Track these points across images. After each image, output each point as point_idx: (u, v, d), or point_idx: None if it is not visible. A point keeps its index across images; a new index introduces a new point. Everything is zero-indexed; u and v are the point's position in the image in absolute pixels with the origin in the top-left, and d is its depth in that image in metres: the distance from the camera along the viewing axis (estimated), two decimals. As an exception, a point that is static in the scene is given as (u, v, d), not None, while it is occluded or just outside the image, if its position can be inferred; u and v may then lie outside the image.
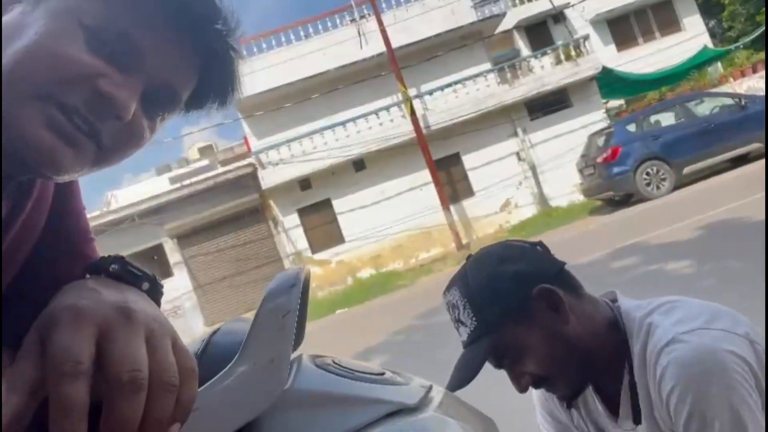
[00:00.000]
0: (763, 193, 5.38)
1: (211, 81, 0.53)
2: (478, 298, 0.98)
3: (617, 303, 1.03)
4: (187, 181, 16.15)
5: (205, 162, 21.04)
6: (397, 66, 13.82)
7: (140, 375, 0.35)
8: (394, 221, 15.39)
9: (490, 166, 15.51)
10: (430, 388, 0.46)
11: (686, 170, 10.34)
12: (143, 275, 0.47)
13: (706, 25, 20.73)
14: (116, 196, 17.90)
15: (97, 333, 0.36)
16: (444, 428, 0.42)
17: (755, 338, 0.87)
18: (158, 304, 0.47)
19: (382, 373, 0.46)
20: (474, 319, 0.97)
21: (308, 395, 0.41)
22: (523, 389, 0.99)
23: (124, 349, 0.36)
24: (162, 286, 0.49)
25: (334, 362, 0.46)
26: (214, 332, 0.47)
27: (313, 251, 15.60)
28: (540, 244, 1.07)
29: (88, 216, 0.65)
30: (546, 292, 0.96)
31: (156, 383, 0.36)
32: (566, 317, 0.96)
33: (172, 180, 18.10)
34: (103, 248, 0.60)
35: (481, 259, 1.03)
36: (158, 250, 15.65)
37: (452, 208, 14.40)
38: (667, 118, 10.89)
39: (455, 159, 15.71)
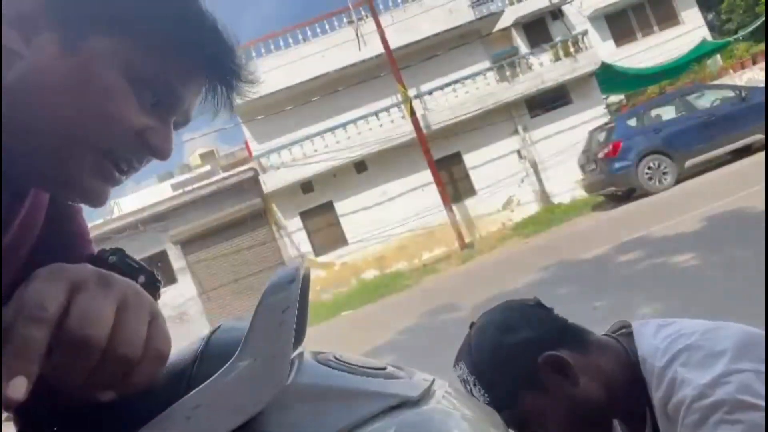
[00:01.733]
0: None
1: (218, 101, 0.57)
2: (486, 374, 0.96)
3: (629, 330, 1.00)
4: (189, 187, 16.20)
5: (206, 168, 21.09)
6: (396, 67, 13.83)
7: (94, 337, 0.34)
8: (396, 222, 15.39)
9: (491, 165, 15.51)
10: (432, 382, 0.45)
11: (688, 163, 10.32)
12: (140, 268, 0.48)
13: (705, 17, 20.68)
14: (119, 204, 17.95)
15: (70, 289, 0.35)
16: (447, 420, 0.42)
17: None
18: (154, 298, 0.46)
19: (384, 368, 0.45)
20: (486, 395, 0.95)
21: (310, 390, 0.41)
22: None
23: (90, 305, 0.35)
24: (160, 282, 0.49)
25: (336, 357, 0.46)
26: (214, 331, 0.47)
27: (317, 254, 15.60)
28: (538, 302, 1.05)
29: (92, 225, 0.66)
30: (551, 359, 0.95)
31: (111, 351, 0.35)
32: (575, 380, 0.94)
33: (175, 186, 18.14)
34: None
35: (483, 330, 1.01)
36: (162, 256, 15.68)
37: (455, 207, 14.39)
38: (667, 112, 10.87)
39: (456, 158, 15.71)
